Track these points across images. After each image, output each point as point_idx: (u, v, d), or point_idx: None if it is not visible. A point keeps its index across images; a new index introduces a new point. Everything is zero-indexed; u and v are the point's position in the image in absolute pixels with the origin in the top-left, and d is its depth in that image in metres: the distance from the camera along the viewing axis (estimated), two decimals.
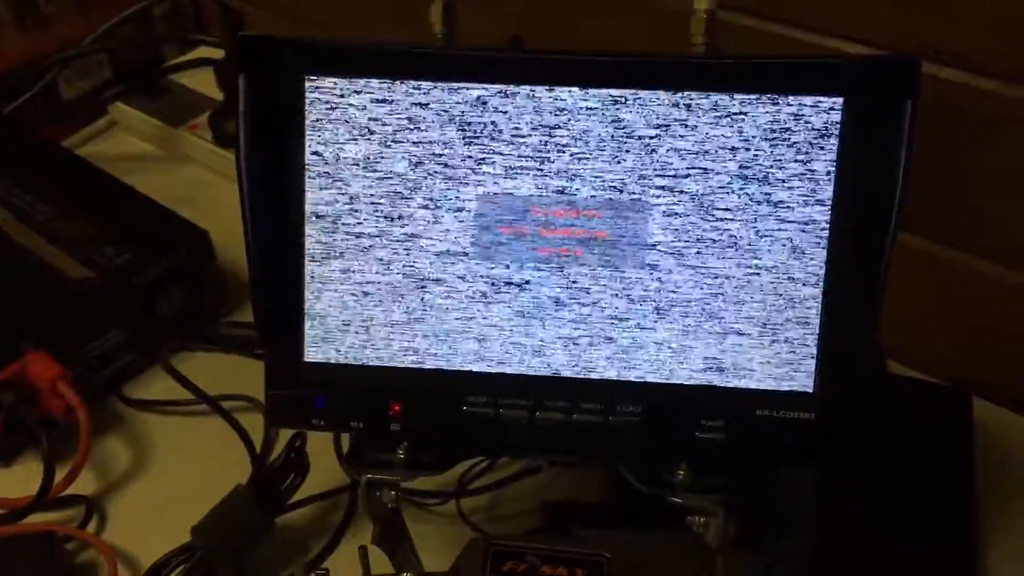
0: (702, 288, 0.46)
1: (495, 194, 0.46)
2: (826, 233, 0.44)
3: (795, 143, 0.44)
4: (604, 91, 0.44)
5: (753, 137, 0.44)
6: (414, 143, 0.45)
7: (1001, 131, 0.59)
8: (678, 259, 0.45)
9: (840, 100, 0.43)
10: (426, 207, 0.46)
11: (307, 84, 0.45)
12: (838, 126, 0.43)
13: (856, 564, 0.56)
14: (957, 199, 0.63)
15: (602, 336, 0.47)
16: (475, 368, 0.47)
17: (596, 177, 0.45)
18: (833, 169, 0.44)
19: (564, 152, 0.45)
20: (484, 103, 0.45)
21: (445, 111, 0.45)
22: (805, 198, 0.44)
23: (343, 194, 0.46)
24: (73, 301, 0.67)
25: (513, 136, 0.45)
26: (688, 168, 0.44)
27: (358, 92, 0.45)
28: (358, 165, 0.46)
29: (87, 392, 0.63)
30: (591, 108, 0.44)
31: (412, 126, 0.45)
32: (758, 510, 0.53)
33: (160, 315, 0.70)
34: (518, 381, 0.47)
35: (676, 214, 0.45)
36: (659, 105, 0.44)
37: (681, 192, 0.45)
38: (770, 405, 0.46)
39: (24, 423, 0.62)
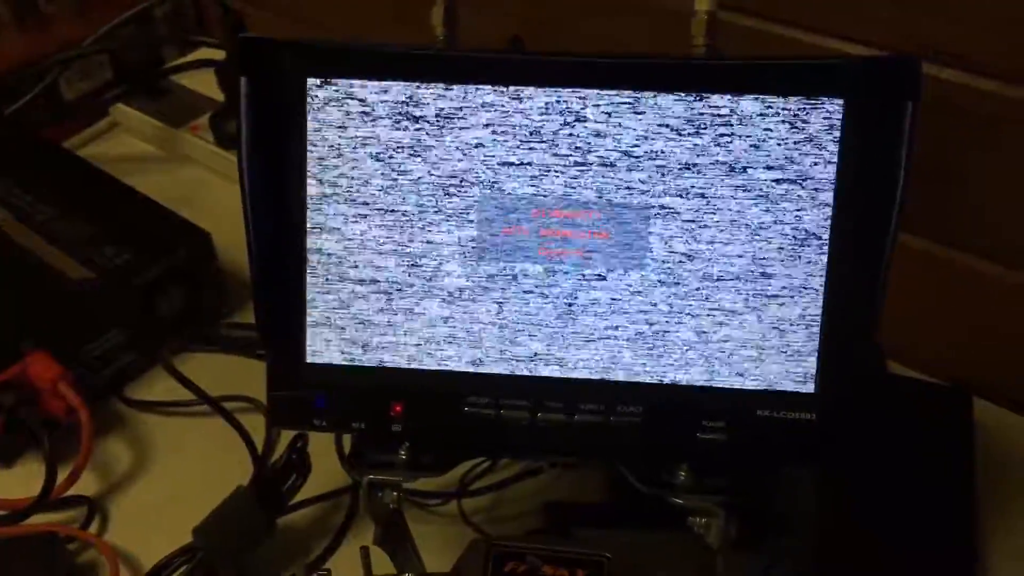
0: (703, 289, 0.46)
1: (497, 195, 0.46)
2: (827, 234, 0.44)
3: (795, 144, 0.44)
4: (603, 92, 0.44)
5: (753, 138, 0.44)
6: (415, 143, 0.45)
7: (1001, 131, 0.59)
8: (679, 261, 0.45)
9: (840, 101, 0.43)
10: (428, 208, 0.46)
11: (308, 86, 0.45)
12: (839, 127, 0.43)
13: (856, 564, 0.56)
14: (957, 199, 0.63)
15: (603, 337, 0.47)
16: (476, 369, 0.48)
17: (597, 178, 0.45)
18: (834, 170, 0.44)
19: (565, 153, 0.45)
20: (485, 105, 0.45)
21: (446, 112, 0.45)
22: (806, 199, 0.44)
23: (345, 195, 0.46)
24: (73, 301, 0.67)
25: (514, 137, 0.45)
26: (688, 170, 0.44)
27: (359, 94, 0.45)
28: (359, 165, 0.46)
29: (88, 393, 0.63)
30: (590, 110, 0.44)
31: (413, 127, 0.45)
32: (758, 510, 0.53)
33: (160, 315, 0.70)
34: (519, 382, 0.47)
35: (677, 216, 0.45)
36: (659, 106, 0.44)
37: (681, 193, 0.45)
38: (771, 406, 0.46)
39: (25, 424, 0.62)
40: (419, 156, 0.46)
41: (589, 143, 0.45)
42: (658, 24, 0.57)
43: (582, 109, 0.44)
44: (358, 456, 0.50)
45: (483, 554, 0.47)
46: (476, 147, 0.45)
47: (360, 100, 0.45)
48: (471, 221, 0.46)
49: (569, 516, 0.59)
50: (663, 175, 0.45)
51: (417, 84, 0.45)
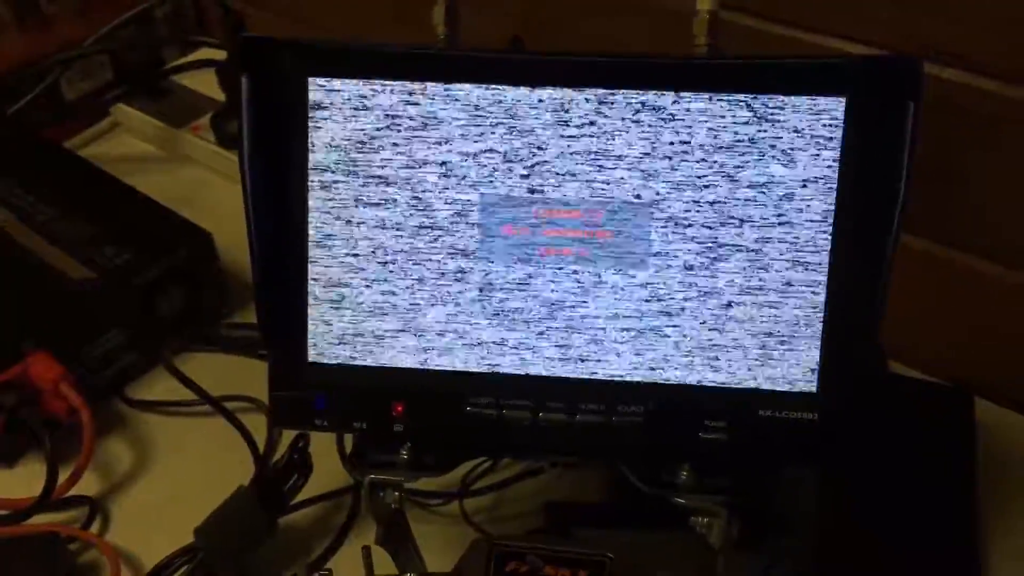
0: (705, 289, 0.46)
1: (498, 194, 0.46)
2: (828, 234, 0.44)
3: (797, 144, 0.44)
4: (604, 92, 0.44)
5: (754, 138, 0.44)
6: (416, 144, 0.45)
7: (1001, 131, 0.59)
8: (680, 260, 0.45)
9: (842, 101, 0.43)
10: (429, 207, 0.46)
11: (309, 85, 0.45)
12: (840, 127, 0.43)
13: (857, 565, 0.56)
14: (958, 199, 0.63)
15: (605, 337, 0.47)
16: (478, 369, 0.48)
17: (599, 178, 0.45)
18: (835, 170, 0.44)
19: (567, 153, 0.45)
20: (486, 104, 0.45)
21: (447, 112, 0.45)
22: (807, 199, 0.44)
23: (346, 195, 0.46)
24: (74, 301, 0.67)
25: (516, 137, 0.45)
26: (689, 169, 0.45)
27: (360, 93, 0.45)
28: (360, 166, 0.46)
29: (89, 393, 0.63)
30: (591, 109, 0.44)
31: (414, 127, 0.45)
32: (759, 510, 0.53)
33: (161, 315, 0.70)
34: (521, 382, 0.47)
35: (678, 215, 0.45)
36: (660, 106, 0.44)
37: (683, 193, 0.45)
38: (773, 406, 0.46)
39: (27, 424, 0.62)
40: (420, 155, 0.46)
41: (590, 143, 0.45)
42: (658, 24, 0.57)
43: (583, 109, 0.44)
44: (360, 456, 0.50)
45: (485, 554, 0.47)
46: (477, 146, 0.45)
47: (361, 99, 0.45)
48: (472, 221, 0.46)
49: (570, 516, 0.59)
50: (664, 174, 0.45)
51: (418, 83, 0.45)
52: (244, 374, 0.69)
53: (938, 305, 0.67)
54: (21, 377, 0.62)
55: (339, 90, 0.45)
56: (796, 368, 0.46)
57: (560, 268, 0.46)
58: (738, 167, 0.44)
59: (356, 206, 0.46)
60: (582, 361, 0.47)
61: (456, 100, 0.45)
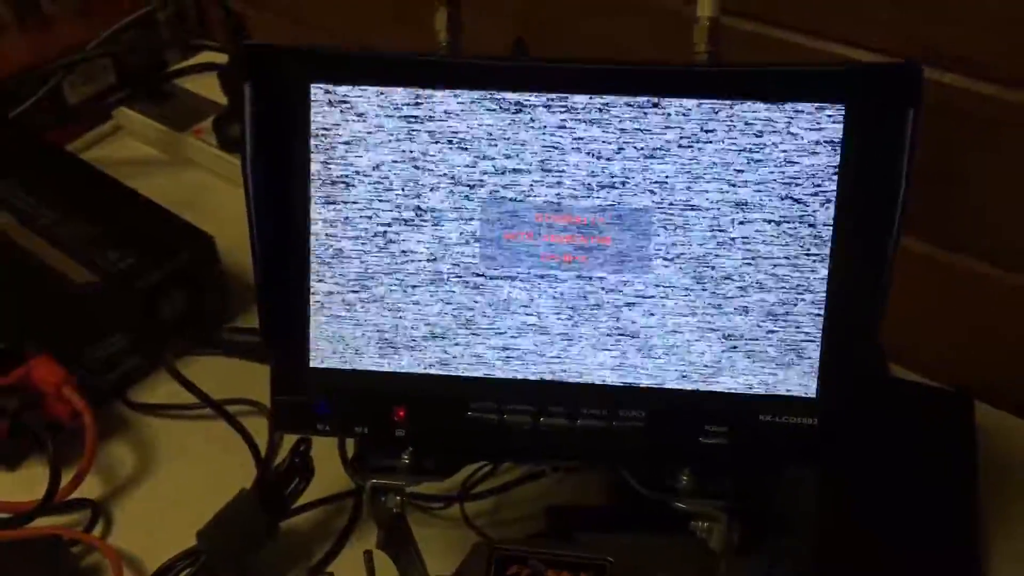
0: (705, 294, 0.46)
1: (499, 200, 0.46)
2: (828, 239, 0.45)
3: (797, 149, 0.44)
4: (605, 98, 0.44)
5: (755, 144, 0.44)
6: (418, 150, 0.46)
7: (1001, 135, 0.59)
8: (681, 266, 0.46)
9: (842, 107, 0.43)
10: (430, 213, 0.46)
11: (311, 91, 0.45)
12: (840, 133, 0.43)
13: (857, 565, 0.56)
14: (958, 202, 0.64)
15: (605, 342, 0.47)
16: (479, 373, 0.48)
17: (599, 184, 0.45)
18: (836, 176, 0.44)
19: (568, 159, 0.45)
20: (489, 110, 0.45)
21: (449, 118, 0.45)
22: (808, 204, 0.44)
23: (348, 200, 0.46)
24: (76, 305, 0.67)
25: (517, 142, 0.45)
26: (690, 175, 0.45)
27: (362, 99, 0.45)
28: (362, 171, 0.46)
29: (91, 396, 0.63)
30: (593, 116, 0.44)
31: (416, 133, 0.45)
32: (759, 511, 0.53)
33: (163, 319, 0.70)
34: (522, 386, 0.47)
35: (679, 221, 0.45)
36: (660, 113, 0.44)
37: (683, 199, 0.45)
38: (773, 410, 0.46)
39: (29, 428, 0.62)
40: (422, 161, 0.46)
41: (592, 148, 0.45)
42: (658, 25, 0.57)
43: (585, 115, 0.44)
44: (361, 460, 0.50)
45: (486, 558, 0.48)
46: (479, 152, 0.45)
47: (363, 105, 0.45)
48: (474, 226, 0.46)
49: (571, 520, 0.59)
50: (665, 180, 0.45)
51: (420, 89, 0.45)
52: (246, 377, 0.69)
53: (938, 307, 0.67)
54: (24, 380, 0.62)
55: (341, 96, 0.45)
56: (796, 372, 0.46)
57: (561, 274, 0.46)
58: (739, 172, 0.44)
59: (359, 210, 0.46)
60: (583, 366, 0.47)
61: (458, 105, 0.45)
